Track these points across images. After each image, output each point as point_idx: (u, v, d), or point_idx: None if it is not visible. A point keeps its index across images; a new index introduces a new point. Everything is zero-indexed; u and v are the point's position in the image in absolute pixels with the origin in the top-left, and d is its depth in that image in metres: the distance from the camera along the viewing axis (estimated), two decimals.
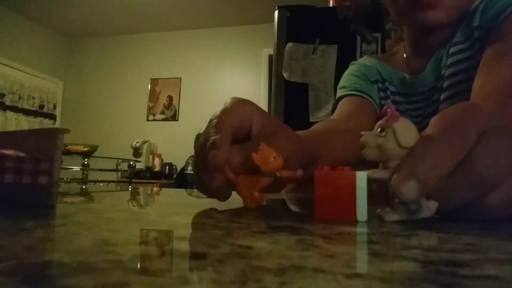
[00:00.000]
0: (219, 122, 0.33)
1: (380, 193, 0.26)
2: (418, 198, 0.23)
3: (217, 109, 0.35)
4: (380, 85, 0.69)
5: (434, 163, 0.22)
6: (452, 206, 0.24)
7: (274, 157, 0.29)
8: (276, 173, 0.30)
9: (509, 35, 0.51)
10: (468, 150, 0.23)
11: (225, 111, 0.34)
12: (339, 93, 0.70)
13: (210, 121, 0.34)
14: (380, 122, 0.26)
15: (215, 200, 0.35)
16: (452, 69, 0.58)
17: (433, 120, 0.25)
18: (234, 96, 0.36)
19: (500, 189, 0.23)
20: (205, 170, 0.32)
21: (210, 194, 0.35)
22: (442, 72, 0.59)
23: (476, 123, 0.23)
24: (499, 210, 0.24)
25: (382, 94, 0.68)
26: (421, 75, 0.63)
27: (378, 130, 0.25)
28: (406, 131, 0.24)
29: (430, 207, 0.24)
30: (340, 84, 0.72)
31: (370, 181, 0.26)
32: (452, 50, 0.58)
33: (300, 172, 0.32)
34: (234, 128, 0.33)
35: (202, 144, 0.33)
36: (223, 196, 0.34)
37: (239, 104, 0.35)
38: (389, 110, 0.25)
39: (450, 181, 0.23)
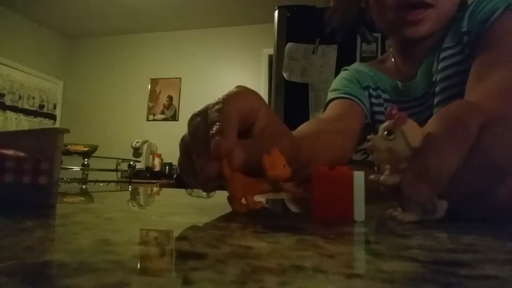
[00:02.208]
0: (226, 107, 0.29)
1: (388, 195, 0.26)
2: (430, 199, 0.23)
3: (222, 94, 0.31)
4: (372, 92, 0.69)
5: (442, 162, 0.22)
6: (464, 196, 0.24)
7: (284, 165, 0.27)
8: (281, 184, 0.28)
9: (498, 39, 0.51)
10: (471, 142, 0.23)
11: (233, 97, 0.30)
12: (330, 95, 0.71)
13: (214, 104, 0.30)
14: (385, 125, 0.26)
15: (215, 200, 0.34)
16: (443, 73, 0.58)
17: (433, 119, 0.25)
18: (241, 85, 0.33)
19: (507, 183, 0.23)
20: (199, 155, 0.28)
21: (196, 182, 0.31)
22: (434, 78, 0.60)
23: (475, 116, 0.24)
24: (506, 203, 0.24)
25: (375, 100, 0.69)
26: (413, 82, 0.64)
27: (385, 133, 0.25)
28: (414, 132, 0.24)
29: (442, 207, 0.25)
30: (332, 87, 0.73)
31: (384, 186, 0.26)
32: (442, 55, 0.59)
33: (301, 191, 0.31)
34: (241, 117, 0.29)
35: (202, 125, 0.29)
36: (209, 187, 0.30)
37: (248, 93, 0.32)
38: (394, 112, 0.25)
39: (462, 172, 0.23)
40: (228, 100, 0.30)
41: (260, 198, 0.31)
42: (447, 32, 0.59)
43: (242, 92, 0.31)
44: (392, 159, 0.25)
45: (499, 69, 0.46)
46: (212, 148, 0.26)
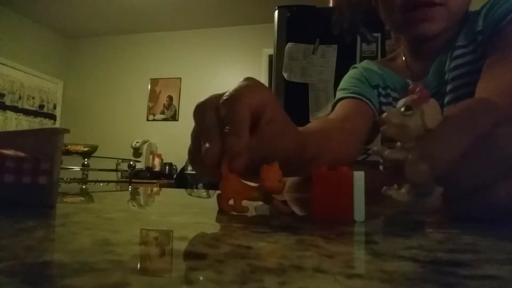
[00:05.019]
0: (238, 105, 0.28)
1: (388, 169, 0.26)
2: (429, 180, 0.23)
3: (232, 87, 0.30)
4: (381, 91, 0.69)
5: (445, 146, 0.23)
6: (469, 186, 0.24)
7: (280, 181, 0.28)
8: (274, 196, 0.29)
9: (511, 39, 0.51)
10: (479, 133, 0.23)
11: (245, 91, 0.30)
12: (339, 94, 0.70)
13: (226, 98, 0.29)
14: (404, 99, 0.25)
15: (215, 200, 0.34)
16: (455, 72, 0.58)
17: (449, 108, 0.25)
18: (249, 77, 0.32)
19: (508, 182, 0.23)
20: (206, 141, 0.28)
21: (203, 169, 0.31)
22: (446, 77, 0.59)
23: (491, 112, 0.24)
24: (506, 203, 0.24)
25: (383, 99, 0.68)
26: (424, 80, 0.63)
27: (403, 109, 0.24)
28: (433, 113, 0.24)
29: (436, 192, 0.24)
30: (340, 86, 0.72)
31: (386, 161, 0.25)
32: (455, 53, 0.58)
33: (289, 209, 0.32)
34: (251, 112, 0.29)
35: (208, 112, 0.29)
36: (213, 174, 0.29)
37: (259, 87, 0.31)
38: (418, 89, 0.24)
39: (470, 160, 0.23)
40: (240, 95, 0.29)
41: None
42: (461, 30, 0.59)
43: (253, 86, 0.31)
44: (402, 135, 0.24)
45: (509, 68, 0.46)
46: (228, 148, 0.27)
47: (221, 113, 0.29)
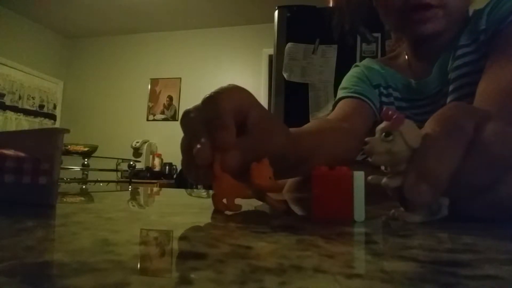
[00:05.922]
0: (221, 101, 0.29)
1: (393, 197, 0.26)
2: (434, 199, 0.23)
3: (211, 91, 0.31)
4: (383, 90, 0.68)
5: (441, 162, 0.22)
6: (468, 193, 0.24)
7: (270, 177, 0.28)
8: (268, 194, 0.29)
9: None
10: (467, 141, 0.23)
11: (227, 90, 0.31)
12: (340, 93, 0.70)
13: (209, 98, 0.30)
14: (381, 126, 0.25)
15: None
16: (457, 72, 0.58)
17: (429, 122, 0.26)
18: (231, 83, 0.33)
19: (508, 181, 0.23)
20: (196, 144, 0.28)
21: (197, 176, 0.31)
22: (449, 76, 0.59)
23: (469, 116, 0.24)
24: (507, 202, 0.24)
25: (385, 99, 0.68)
26: (427, 80, 0.62)
27: (383, 135, 0.25)
28: (412, 132, 0.24)
29: (444, 204, 0.24)
30: (342, 85, 0.72)
31: (386, 189, 0.26)
32: (458, 53, 0.58)
33: (284, 205, 0.31)
34: (235, 109, 0.30)
35: (195, 116, 0.30)
36: (209, 178, 0.29)
37: (240, 89, 0.32)
38: (390, 113, 0.25)
39: (463, 168, 0.23)
40: (222, 93, 0.30)
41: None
42: (464, 30, 0.58)
43: (234, 87, 0.32)
44: (392, 161, 0.25)
45: (510, 68, 0.46)
46: (218, 142, 0.27)
47: (204, 111, 0.29)
